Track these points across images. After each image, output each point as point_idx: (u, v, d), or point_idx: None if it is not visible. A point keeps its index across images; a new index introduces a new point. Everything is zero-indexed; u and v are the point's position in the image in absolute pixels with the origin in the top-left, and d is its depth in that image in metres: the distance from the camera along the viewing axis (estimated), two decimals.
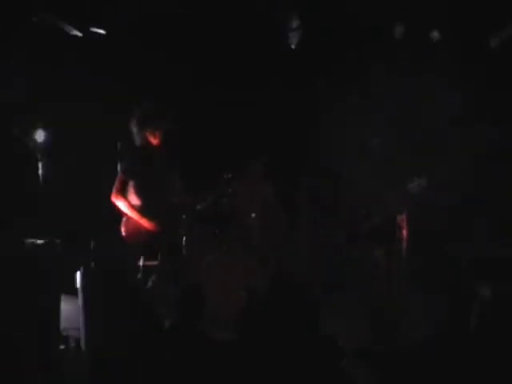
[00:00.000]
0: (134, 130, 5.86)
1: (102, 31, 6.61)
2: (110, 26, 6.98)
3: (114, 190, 5.79)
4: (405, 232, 5.81)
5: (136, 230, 5.75)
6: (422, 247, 6.51)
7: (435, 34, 7.59)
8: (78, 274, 5.07)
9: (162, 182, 5.85)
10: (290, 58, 7.87)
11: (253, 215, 6.80)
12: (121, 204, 5.76)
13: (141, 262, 5.63)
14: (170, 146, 5.95)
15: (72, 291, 5.12)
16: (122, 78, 7.27)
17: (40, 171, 5.41)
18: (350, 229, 6.05)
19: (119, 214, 5.83)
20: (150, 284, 5.57)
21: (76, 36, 6.09)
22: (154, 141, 5.84)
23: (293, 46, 7.70)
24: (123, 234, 5.81)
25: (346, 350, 3.60)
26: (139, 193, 5.77)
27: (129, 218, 5.78)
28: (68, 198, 6.82)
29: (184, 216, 6.04)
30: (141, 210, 5.74)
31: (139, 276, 5.60)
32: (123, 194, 5.78)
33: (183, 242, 6.05)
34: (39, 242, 4.82)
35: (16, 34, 6.29)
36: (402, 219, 5.81)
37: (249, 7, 7.35)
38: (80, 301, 5.02)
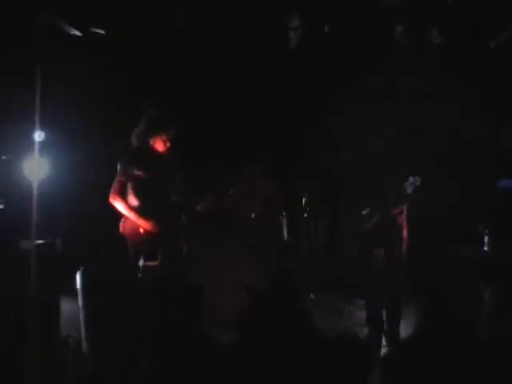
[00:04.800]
0: (141, 132, 5.83)
1: (101, 31, 6.60)
2: (111, 27, 6.98)
3: (112, 192, 5.79)
4: (405, 232, 5.81)
5: (134, 231, 5.75)
6: (422, 247, 6.52)
7: (435, 34, 7.59)
8: (78, 274, 5.07)
9: (161, 183, 5.84)
10: (290, 58, 7.88)
11: (253, 215, 6.80)
12: (119, 205, 5.76)
13: (141, 262, 5.63)
14: (170, 147, 5.94)
15: (72, 291, 5.12)
16: (123, 78, 7.28)
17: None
18: (350, 229, 6.04)
19: (118, 215, 5.83)
20: (149, 284, 5.57)
21: (77, 36, 6.08)
22: (161, 146, 5.83)
23: (292, 46, 7.71)
24: (121, 234, 5.82)
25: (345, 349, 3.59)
26: (137, 194, 5.77)
27: (127, 219, 5.78)
28: (68, 199, 6.82)
29: (184, 216, 6.04)
30: (139, 211, 5.74)
31: (139, 276, 5.60)
32: (122, 195, 5.78)
33: (183, 242, 6.05)
34: (39, 241, 4.82)
35: (16, 34, 6.29)
36: (402, 219, 5.80)
37: (249, 8, 7.36)
38: (80, 301, 5.01)
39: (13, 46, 6.53)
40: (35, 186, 4.74)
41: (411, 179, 5.47)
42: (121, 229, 5.80)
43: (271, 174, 7.20)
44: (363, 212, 5.79)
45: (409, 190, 5.49)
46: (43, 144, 5.15)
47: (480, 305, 4.16)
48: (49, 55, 4.94)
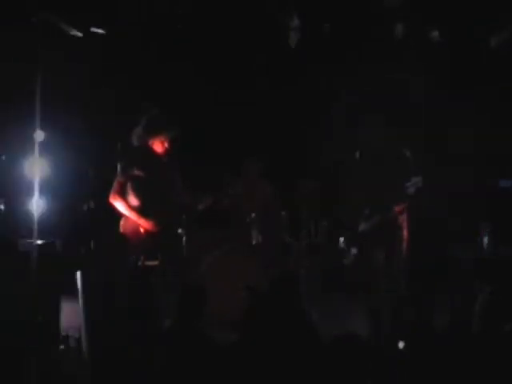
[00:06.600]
0: (140, 132, 5.84)
1: (101, 31, 6.61)
2: (111, 26, 6.99)
3: (112, 191, 5.80)
4: (405, 232, 5.81)
5: (134, 231, 5.75)
6: (422, 247, 6.52)
7: (435, 34, 7.59)
8: (78, 274, 5.07)
9: (161, 183, 5.85)
10: (290, 58, 7.88)
11: (253, 215, 6.80)
12: (119, 205, 5.77)
13: (141, 262, 5.63)
14: (170, 147, 5.95)
15: (72, 291, 5.12)
16: (123, 78, 7.28)
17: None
18: (350, 229, 6.04)
19: (118, 215, 5.83)
20: (149, 284, 5.57)
21: (77, 36, 6.10)
22: (161, 147, 5.84)
23: (292, 46, 7.71)
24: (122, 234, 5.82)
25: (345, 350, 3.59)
26: (138, 194, 5.77)
27: (127, 219, 5.79)
28: (68, 199, 6.82)
29: (184, 216, 6.04)
30: (139, 211, 5.74)
31: (139, 276, 5.60)
32: (122, 194, 5.78)
33: (183, 242, 6.05)
34: (39, 242, 4.82)
35: (16, 34, 6.29)
36: (402, 219, 5.80)
37: (249, 8, 7.36)
38: (80, 301, 5.01)
39: (12, 45, 6.53)
40: (35, 185, 4.74)
41: (413, 179, 5.47)
42: (121, 229, 5.80)
43: (271, 173, 7.20)
44: (363, 212, 5.79)
45: (411, 190, 5.49)
46: (43, 144, 5.16)
47: (479, 304, 4.16)
48: (49, 55, 4.94)
